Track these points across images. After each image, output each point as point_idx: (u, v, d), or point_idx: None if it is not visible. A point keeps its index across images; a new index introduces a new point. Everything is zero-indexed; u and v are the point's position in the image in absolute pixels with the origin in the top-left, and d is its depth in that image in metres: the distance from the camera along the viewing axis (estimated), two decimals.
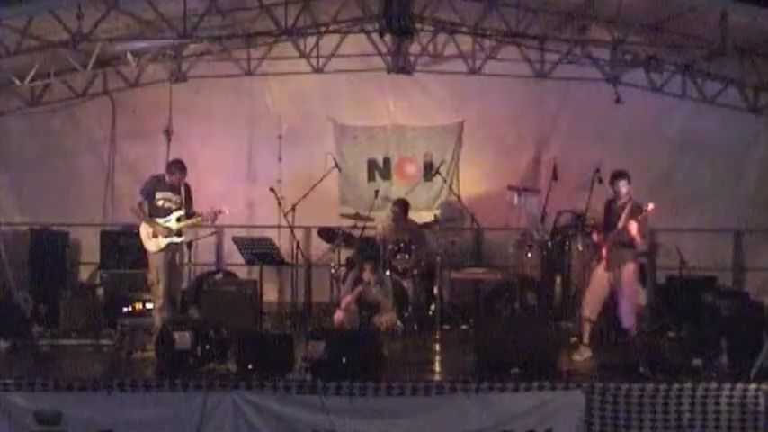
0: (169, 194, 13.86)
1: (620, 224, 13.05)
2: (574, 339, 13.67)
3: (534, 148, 18.41)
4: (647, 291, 16.18)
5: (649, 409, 11.44)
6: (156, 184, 13.96)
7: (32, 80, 17.12)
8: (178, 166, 13.97)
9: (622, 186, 13.23)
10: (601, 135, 17.68)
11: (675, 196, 17.56)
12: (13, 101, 18.04)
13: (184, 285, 15.59)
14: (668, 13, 15.55)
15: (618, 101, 17.07)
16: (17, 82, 17.17)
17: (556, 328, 13.24)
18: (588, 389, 11.51)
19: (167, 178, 13.95)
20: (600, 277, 13.31)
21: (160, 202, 13.82)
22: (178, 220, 13.81)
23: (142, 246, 13.87)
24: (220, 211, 14.03)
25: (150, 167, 15.32)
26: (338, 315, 14.44)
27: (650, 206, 12.91)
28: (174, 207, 13.84)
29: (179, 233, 13.91)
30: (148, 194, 13.87)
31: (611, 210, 13.37)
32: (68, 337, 14.86)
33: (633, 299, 13.40)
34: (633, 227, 12.88)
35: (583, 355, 13.22)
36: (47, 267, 16.80)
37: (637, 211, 12.99)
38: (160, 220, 13.72)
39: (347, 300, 14.51)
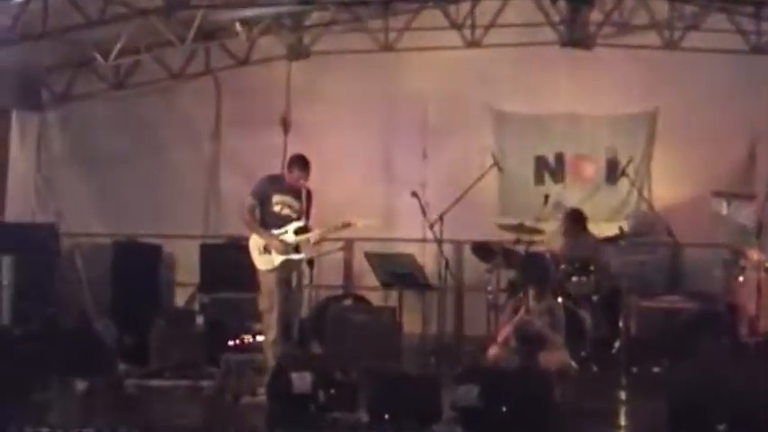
0: (288, 199, 13.80)
1: None
2: None
3: (747, 141, 18.28)
4: None
5: None
6: (273, 184, 13.95)
7: (118, 57, 17.39)
8: (300, 163, 13.86)
9: None
10: None
11: None
12: (94, 83, 18.48)
13: (304, 313, 15.69)
14: None
15: None
16: (100, 59, 17.47)
17: None
18: None
19: (287, 178, 13.94)
20: None
21: (277, 208, 13.79)
22: (296, 232, 13.73)
23: (252, 262, 13.97)
24: (349, 224, 14.10)
25: (263, 165, 15.43)
26: (493, 351, 14.36)
27: None
28: (293, 215, 13.79)
29: (297, 248, 13.84)
30: (262, 197, 13.84)
31: None
32: (160, 377, 14.98)
33: None
34: None
35: None
36: (134, 289, 16.94)
37: None
38: (275, 231, 13.75)
39: (505, 333, 14.48)
